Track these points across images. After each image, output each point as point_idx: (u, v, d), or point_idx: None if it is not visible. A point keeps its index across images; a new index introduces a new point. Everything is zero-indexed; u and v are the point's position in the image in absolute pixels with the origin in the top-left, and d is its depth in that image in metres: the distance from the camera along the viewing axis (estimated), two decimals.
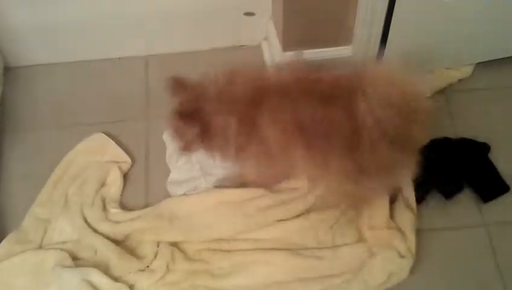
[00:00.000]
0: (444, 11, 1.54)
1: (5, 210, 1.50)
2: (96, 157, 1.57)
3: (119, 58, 1.79)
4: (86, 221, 1.45)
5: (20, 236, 1.43)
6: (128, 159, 1.57)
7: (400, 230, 1.41)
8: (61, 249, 1.40)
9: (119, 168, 1.55)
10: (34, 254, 1.39)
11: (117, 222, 1.46)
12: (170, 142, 1.59)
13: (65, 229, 1.45)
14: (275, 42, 1.68)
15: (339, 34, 1.63)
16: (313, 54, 1.66)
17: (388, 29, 1.59)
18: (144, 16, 1.70)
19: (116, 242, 1.42)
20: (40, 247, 1.42)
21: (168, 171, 1.56)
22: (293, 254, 1.39)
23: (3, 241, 1.41)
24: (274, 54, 1.70)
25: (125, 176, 1.56)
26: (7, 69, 1.75)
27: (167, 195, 1.52)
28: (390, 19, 1.56)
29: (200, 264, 1.40)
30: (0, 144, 1.61)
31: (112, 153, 1.58)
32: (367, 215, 1.43)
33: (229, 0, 1.70)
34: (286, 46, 1.65)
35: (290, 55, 1.65)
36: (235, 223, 1.42)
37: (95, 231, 1.43)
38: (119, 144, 1.61)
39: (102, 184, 1.53)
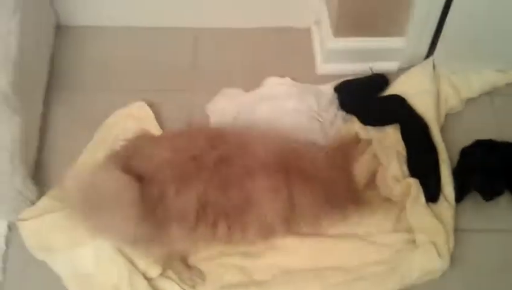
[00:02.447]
0: (501, 10, 1.52)
1: (48, 165, 1.53)
2: (136, 124, 1.58)
3: (169, 28, 1.79)
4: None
5: (61, 193, 1.44)
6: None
7: (444, 228, 1.41)
8: None
9: None
10: (68, 215, 1.40)
11: None
12: (214, 116, 1.61)
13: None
14: (326, 27, 1.68)
15: (393, 24, 1.62)
16: (363, 42, 1.66)
17: (443, 25, 1.58)
18: None
19: None
20: None
21: None
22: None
23: (44, 197, 1.43)
24: (324, 39, 1.69)
25: None
26: (58, 27, 1.77)
27: None
28: (446, 14, 1.55)
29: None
30: (48, 100, 1.63)
31: (151, 123, 1.59)
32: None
33: None
34: (338, 31, 1.64)
35: (341, 41, 1.65)
36: None
37: None
38: (161, 112, 1.62)
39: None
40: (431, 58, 1.68)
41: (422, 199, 1.44)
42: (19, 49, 1.39)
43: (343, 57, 1.70)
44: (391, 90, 1.66)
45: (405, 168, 1.50)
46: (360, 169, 1.49)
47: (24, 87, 1.42)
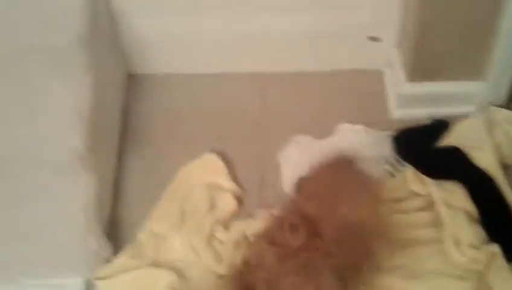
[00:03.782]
0: None
1: (122, 220, 1.53)
2: (207, 177, 1.57)
3: (239, 73, 1.78)
4: (191, 244, 1.45)
5: (135, 250, 1.44)
6: (235, 188, 1.55)
7: None
8: (173, 270, 1.40)
9: (231, 191, 1.54)
10: (147, 272, 1.40)
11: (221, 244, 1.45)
12: (286, 165, 1.57)
13: (177, 248, 1.45)
14: (400, 71, 1.63)
15: (471, 67, 1.56)
16: (438, 86, 1.60)
17: None
18: (265, 34, 1.69)
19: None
20: (155, 263, 1.43)
21: (283, 195, 1.53)
22: None
23: (121, 255, 1.43)
24: (398, 83, 1.64)
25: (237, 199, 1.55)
26: (131, 76, 1.78)
27: None
28: None
29: None
30: (122, 153, 1.64)
31: (222, 176, 1.57)
32: None
33: (353, 23, 1.66)
34: (412, 76, 1.59)
35: (415, 86, 1.59)
36: None
37: (197, 254, 1.43)
38: (232, 162, 1.60)
39: (213, 206, 1.52)
40: (491, 107, 1.60)
41: (504, 262, 1.35)
42: (93, 106, 1.40)
43: (417, 101, 1.64)
44: (449, 139, 1.57)
45: (479, 230, 1.41)
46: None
47: (98, 144, 1.43)
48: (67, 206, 1.33)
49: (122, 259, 1.43)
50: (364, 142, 1.59)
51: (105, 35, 1.56)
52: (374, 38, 1.69)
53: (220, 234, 1.46)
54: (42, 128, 1.35)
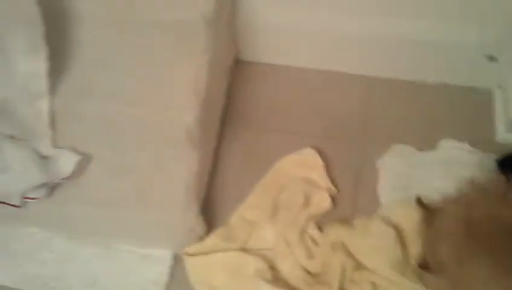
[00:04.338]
0: None
1: (216, 202, 1.55)
2: (305, 172, 1.57)
3: (344, 73, 1.77)
4: (285, 236, 1.45)
5: (227, 233, 1.46)
6: (331, 186, 1.55)
7: None
8: (263, 258, 1.41)
9: (327, 189, 1.53)
10: (237, 255, 1.42)
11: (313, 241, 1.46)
12: (384, 172, 1.56)
13: (268, 237, 1.46)
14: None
15: None
16: None
17: None
18: (378, 37, 1.66)
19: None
20: (243, 248, 1.44)
21: (377, 202, 1.52)
22: None
23: (212, 235, 1.45)
24: (509, 106, 1.59)
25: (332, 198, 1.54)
26: (237, 61, 1.80)
27: None
28: None
29: None
30: (221, 136, 1.66)
31: (320, 174, 1.57)
32: None
33: (473, 39, 1.61)
34: None
35: None
36: None
37: (289, 247, 1.43)
38: (329, 161, 1.60)
39: (307, 202, 1.52)
40: None
41: None
42: (207, 86, 1.42)
43: None
44: None
45: None
46: None
47: (205, 123, 1.44)
48: (171, 180, 1.35)
49: (213, 239, 1.45)
50: (467, 161, 1.55)
51: (225, 18, 1.58)
52: (491, 58, 1.64)
53: (313, 231, 1.46)
54: (160, 100, 1.39)
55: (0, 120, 1.40)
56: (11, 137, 1.39)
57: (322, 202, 1.51)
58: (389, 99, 1.73)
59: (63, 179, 1.35)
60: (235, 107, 1.72)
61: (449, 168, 1.53)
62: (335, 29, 1.67)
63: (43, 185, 1.34)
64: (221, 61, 1.64)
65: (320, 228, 1.49)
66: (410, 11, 1.59)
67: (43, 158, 1.38)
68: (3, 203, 1.35)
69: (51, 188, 1.35)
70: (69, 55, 1.46)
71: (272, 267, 1.40)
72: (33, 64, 1.34)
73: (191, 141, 1.38)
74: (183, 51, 1.43)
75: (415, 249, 1.36)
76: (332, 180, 1.56)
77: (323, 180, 1.54)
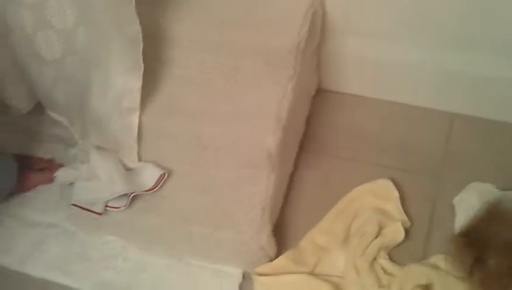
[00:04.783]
0: None
1: (288, 225, 1.57)
2: (379, 202, 1.57)
3: (424, 108, 1.76)
4: (355, 264, 1.45)
5: (297, 256, 1.48)
6: (405, 218, 1.54)
7: None
8: (332, 284, 1.41)
9: (401, 221, 1.52)
10: (306, 279, 1.43)
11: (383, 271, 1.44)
12: (461, 210, 1.53)
13: (338, 264, 1.47)
14: None
15: None
16: None
17: None
18: (460, 74, 1.65)
19: None
20: (312, 273, 1.45)
21: None
22: None
23: (282, 256, 1.47)
24: None
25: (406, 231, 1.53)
26: (319, 90, 1.83)
27: None
28: None
29: None
30: (298, 161, 1.68)
31: (394, 205, 1.56)
32: None
33: None
34: None
35: None
36: None
37: (359, 275, 1.43)
38: (404, 194, 1.59)
39: (380, 231, 1.51)
40: None
41: None
42: (288, 112, 1.45)
43: None
44: None
45: None
46: None
47: (284, 148, 1.47)
48: (247, 200, 1.39)
49: (283, 261, 1.46)
50: None
51: (312, 47, 1.62)
52: None
53: (384, 261, 1.45)
54: (244, 121, 1.44)
55: (92, 131, 1.49)
56: (100, 148, 1.48)
57: (395, 233, 1.50)
58: (470, 136, 1.70)
59: (144, 191, 1.41)
60: (314, 134, 1.75)
61: None
62: (418, 63, 1.68)
63: (125, 195, 1.41)
64: (304, 89, 1.68)
65: (391, 259, 1.48)
66: (497, 49, 1.58)
67: (128, 170, 1.45)
68: (88, 210, 1.43)
69: (132, 199, 1.41)
70: (159, 74, 1.53)
71: None
72: (129, 81, 1.41)
73: (270, 163, 1.42)
74: (270, 76, 1.48)
75: None
76: (407, 213, 1.55)
77: (397, 212, 1.54)
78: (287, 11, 1.55)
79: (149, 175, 1.42)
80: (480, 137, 1.69)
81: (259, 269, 1.44)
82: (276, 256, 1.47)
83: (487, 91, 1.67)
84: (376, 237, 1.49)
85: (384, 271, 1.44)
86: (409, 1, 1.55)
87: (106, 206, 1.43)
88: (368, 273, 1.42)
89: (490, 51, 1.59)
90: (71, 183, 1.48)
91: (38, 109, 1.54)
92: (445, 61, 1.64)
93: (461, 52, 1.61)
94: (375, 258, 1.46)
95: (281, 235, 1.53)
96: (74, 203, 1.44)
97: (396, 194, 1.56)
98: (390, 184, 1.58)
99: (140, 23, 1.35)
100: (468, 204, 1.54)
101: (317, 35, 1.64)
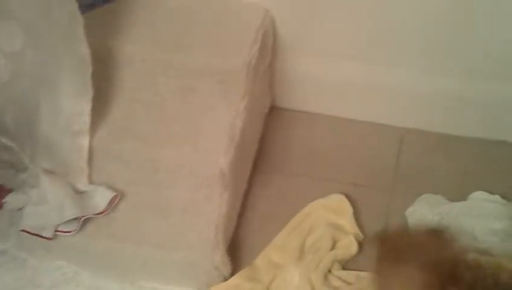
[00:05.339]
0: None
1: (242, 244, 1.57)
2: (333, 217, 1.58)
3: (376, 123, 1.79)
4: (309, 279, 1.46)
5: (251, 274, 1.47)
6: (359, 232, 1.56)
7: None
8: None
9: (355, 235, 1.54)
10: None
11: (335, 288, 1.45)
12: (413, 222, 1.56)
13: (293, 280, 1.47)
14: None
15: None
16: None
17: None
18: (409, 90, 1.70)
19: None
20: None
21: None
22: None
23: (236, 275, 1.47)
24: None
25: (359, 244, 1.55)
26: (272, 108, 1.85)
27: None
28: None
29: None
30: (252, 179, 1.69)
31: (348, 219, 1.58)
32: None
33: (507, 95, 1.62)
34: None
35: None
36: None
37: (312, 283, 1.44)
38: (358, 208, 1.61)
39: (334, 245, 1.52)
40: None
41: None
42: (241, 131, 1.46)
43: None
44: None
45: None
46: None
47: (237, 167, 1.48)
48: (200, 220, 1.39)
49: (237, 280, 1.46)
50: (499, 213, 1.54)
51: (264, 67, 1.64)
52: None
53: (339, 272, 1.47)
54: (196, 142, 1.45)
55: (42, 155, 1.47)
56: (50, 172, 1.46)
57: (348, 246, 1.51)
58: (421, 151, 1.74)
59: (96, 214, 1.40)
60: (268, 152, 1.76)
61: (479, 220, 1.52)
62: (369, 80, 1.71)
63: (76, 219, 1.39)
64: (258, 107, 1.69)
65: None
66: (444, 67, 1.63)
67: (79, 193, 1.43)
68: (37, 235, 1.41)
69: (83, 222, 1.40)
70: (111, 96, 1.53)
71: None
72: (79, 104, 1.41)
73: (223, 183, 1.42)
74: (223, 96, 1.50)
75: None
76: (361, 227, 1.57)
77: (350, 226, 1.55)
78: (237, 32, 1.58)
79: (101, 198, 1.41)
80: (429, 150, 1.73)
81: (214, 289, 1.43)
82: (231, 275, 1.47)
83: (435, 105, 1.71)
84: (330, 250, 1.50)
85: (341, 280, 1.45)
86: (355, 21, 1.59)
87: (56, 230, 1.40)
88: (323, 286, 1.42)
89: (437, 66, 1.63)
90: (21, 209, 1.45)
91: None
92: (394, 78, 1.68)
93: (411, 70, 1.65)
94: (329, 271, 1.46)
95: (236, 254, 1.53)
96: (23, 229, 1.41)
97: (350, 208, 1.58)
98: (344, 199, 1.60)
99: (90, 45, 1.34)
100: (420, 215, 1.57)
101: (269, 54, 1.66)
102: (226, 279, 1.46)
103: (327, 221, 1.56)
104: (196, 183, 1.41)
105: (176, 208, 1.40)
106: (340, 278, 1.46)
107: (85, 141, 1.44)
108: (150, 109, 1.51)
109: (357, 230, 1.55)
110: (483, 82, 1.62)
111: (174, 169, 1.44)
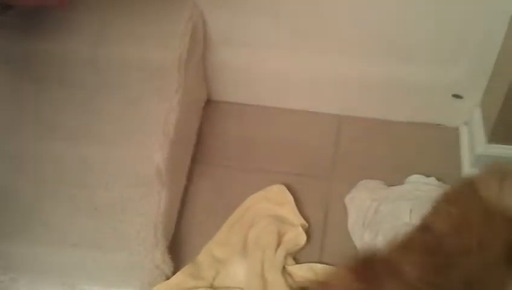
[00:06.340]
0: None
1: (184, 240, 1.54)
2: (274, 208, 1.58)
3: (313, 112, 1.80)
4: (261, 272, 1.44)
5: (194, 271, 1.45)
6: (303, 221, 1.55)
7: None
8: None
9: (301, 225, 1.54)
10: None
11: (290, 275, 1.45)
12: (352, 208, 1.57)
13: (237, 275, 1.45)
14: (479, 130, 1.61)
15: None
16: None
17: None
18: (344, 77, 1.70)
19: None
20: (212, 286, 1.43)
21: (347, 238, 1.53)
22: None
23: (179, 273, 1.44)
24: (475, 142, 1.62)
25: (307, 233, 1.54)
26: (208, 101, 1.82)
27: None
28: None
29: None
30: (191, 174, 1.66)
31: (289, 209, 1.57)
32: None
33: (441, 78, 1.65)
34: (491, 137, 1.57)
35: (494, 148, 1.57)
36: None
37: (266, 285, 1.42)
38: (298, 198, 1.61)
39: (281, 239, 1.52)
40: None
41: None
42: (176, 126, 1.43)
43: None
44: None
45: None
46: None
47: (174, 162, 1.45)
48: (138, 218, 1.36)
49: (180, 277, 1.43)
50: (433, 195, 1.57)
51: (196, 59, 1.61)
52: (456, 96, 1.68)
53: (292, 268, 1.46)
54: (130, 138, 1.42)
55: None
56: None
57: (297, 237, 1.51)
58: (358, 137, 1.75)
59: None
60: (206, 145, 1.74)
61: (415, 202, 1.54)
62: (303, 69, 1.71)
63: None
64: (193, 101, 1.67)
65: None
66: (378, 52, 1.64)
67: None
68: None
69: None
70: (37, 96, 1.47)
71: None
72: None
73: (160, 180, 1.39)
74: (155, 91, 1.47)
75: None
76: (303, 216, 1.57)
77: (294, 216, 1.55)
78: (167, 26, 1.54)
79: None
80: (367, 137, 1.75)
81: (156, 289, 1.40)
82: (174, 273, 1.44)
83: (371, 92, 1.73)
84: (278, 245, 1.49)
85: (297, 275, 1.44)
86: (285, 11, 1.58)
87: None
88: (278, 282, 1.41)
89: (372, 53, 1.64)
90: None
91: None
92: (331, 66, 1.68)
93: (345, 57, 1.66)
94: (284, 267, 1.45)
95: (178, 251, 1.50)
96: None
97: (290, 198, 1.58)
98: (284, 189, 1.60)
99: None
100: (358, 202, 1.58)
101: (200, 47, 1.63)
102: (168, 278, 1.43)
103: (268, 213, 1.55)
104: (132, 181, 1.38)
105: (113, 207, 1.37)
106: (295, 274, 1.45)
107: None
108: (80, 107, 1.47)
109: (301, 219, 1.55)
110: (418, 67, 1.64)
111: (108, 168, 1.40)
